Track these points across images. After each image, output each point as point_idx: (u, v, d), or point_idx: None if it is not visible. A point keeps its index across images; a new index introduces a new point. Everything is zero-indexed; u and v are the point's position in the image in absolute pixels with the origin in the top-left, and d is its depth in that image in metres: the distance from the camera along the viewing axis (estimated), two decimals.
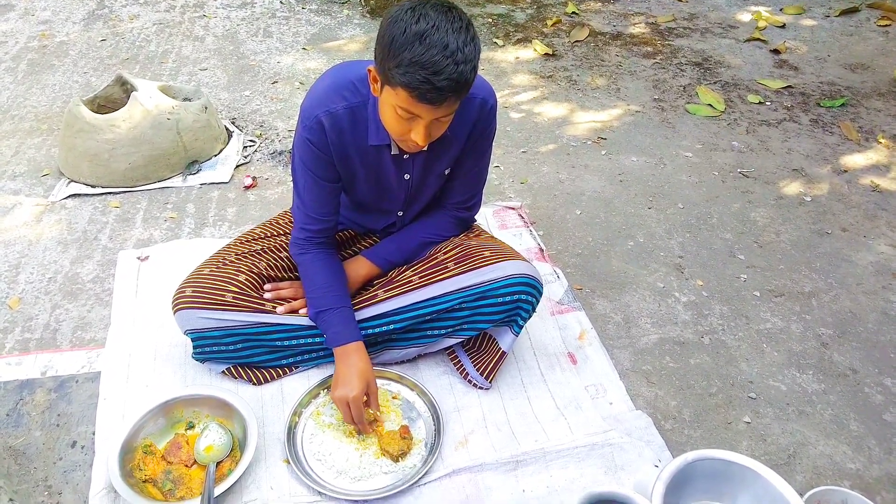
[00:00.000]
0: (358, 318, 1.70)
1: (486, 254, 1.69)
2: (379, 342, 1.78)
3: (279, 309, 1.72)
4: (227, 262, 1.77)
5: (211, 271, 1.73)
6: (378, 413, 1.67)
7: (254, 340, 1.72)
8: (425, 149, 1.52)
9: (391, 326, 1.72)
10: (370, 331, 1.72)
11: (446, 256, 1.74)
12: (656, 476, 1.42)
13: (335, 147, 1.56)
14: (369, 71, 1.42)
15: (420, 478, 1.57)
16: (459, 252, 1.73)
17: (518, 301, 1.65)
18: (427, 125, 1.38)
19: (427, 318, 1.71)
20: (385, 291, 1.73)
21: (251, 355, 1.75)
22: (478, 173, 1.77)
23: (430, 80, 1.26)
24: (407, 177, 1.67)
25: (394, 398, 1.76)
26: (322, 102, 1.51)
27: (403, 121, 1.38)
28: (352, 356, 1.62)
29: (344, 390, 1.58)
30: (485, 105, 1.59)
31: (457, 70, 1.26)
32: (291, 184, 2.60)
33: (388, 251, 1.82)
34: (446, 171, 1.72)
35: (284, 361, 1.80)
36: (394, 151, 1.59)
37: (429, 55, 1.24)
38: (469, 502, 1.55)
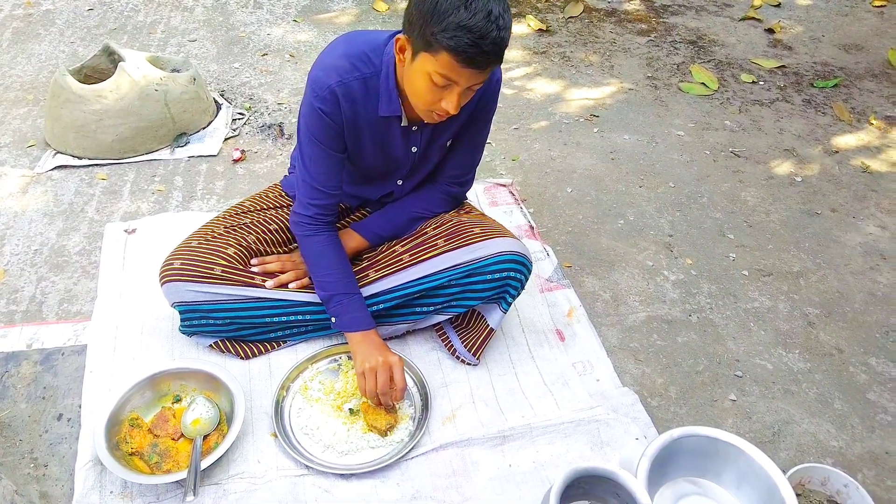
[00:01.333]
0: None
1: (476, 231, 1.69)
2: None
3: (268, 283, 1.71)
4: (215, 234, 1.75)
5: (199, 243, 1.72)
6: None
7: (242, 314, 1.70)
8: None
9: (381, 306, 1.72)
10: None
11: (436, 232, 1.73)
12: (642, 452, 1.43)
13: (347, 117, 1.54)
14: (397, 40, 1.41)
15: (407, 452, 1.57)
16: (449, 228, 1.73)
17: (507, 278, 1.64)
18: (461, 93, 1.38)
19: (416, 295, 1.71)
20: (376, 271, 1.73)
21: (239, 328, 1.74)
22: (475, 147, 1.76)
23: (478, 44, 1.27)
24: (414, 149, 1.67)
25: None
26: (336, 72, 1.50)
27: (437, 89, 1.37)
28: (374, 338, 1.65)
29: (385, 356, 1.60)
30: (492, 78, 1.59)
31: (500, 35, 1.28)
32: (280, 157, 2.58)
33: (378, 225, 1.82)
34: (448, 143, 1.71)
35: (273, 335, 1.79)
36: (403, 123, 1.58)
37: (475, 20, 1.25)
38: (456, 476, 1.56)
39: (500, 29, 1.28)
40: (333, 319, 1.68)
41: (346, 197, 1.89)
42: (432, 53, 1.32)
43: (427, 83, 1.37)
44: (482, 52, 1.29)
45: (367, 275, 1.73)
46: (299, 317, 1.75)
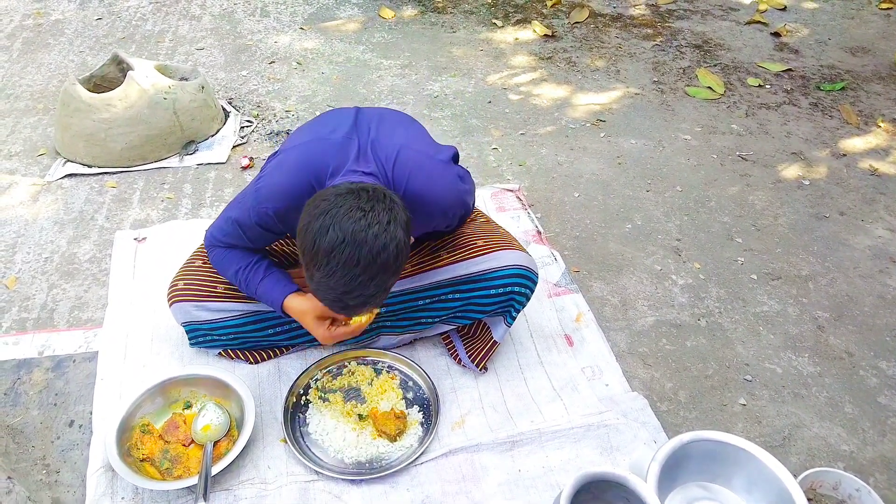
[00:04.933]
0: None
1: (480, 243, 1.68)
2: (372, 326, 1.77)
3: None
4: None
5: (203, 262, 1.73)
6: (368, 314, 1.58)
7: (246, 328, 1.71)
8: None
9: (381, 309, 1.71)
10: None
11: (439, 244, 1.73)
12: (651, 457, 1.43)
13: (289, 229, 1.51)
14: None
15: (417, 457, 1.58)
16: (452, 240, 1.72)
17: (512, 293, 1.64)
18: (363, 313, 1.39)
19: (419, 304, 1.71)
20: None
21: (245, 341, 1.76)
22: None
23: (342, 300, 1.26)
24: None
25: (392, 378, 1.76)
26: (275, 200, 1.44)
27: None
28: (302, 297, 1.55)
29: (315, 305, 1.51)
30: (446, 215, 1.54)
31: (372, 283, 1.24)
32: None
33: None
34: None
35: (281, 344, 1.80)
36: None
37: (339, 275, 1.21)
38: (465, 482, 1.56)
39: (373, 277, 1.22)
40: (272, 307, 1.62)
41: None
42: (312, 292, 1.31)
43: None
44: (348, 306, 1.28)
45: None
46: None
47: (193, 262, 1.74)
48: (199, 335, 1.73)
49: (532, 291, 1.67)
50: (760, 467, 1.43)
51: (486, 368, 1.80)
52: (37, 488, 1.52)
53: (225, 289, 1.68)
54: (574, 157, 2.73)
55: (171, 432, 1.59)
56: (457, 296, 1.68)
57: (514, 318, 1.69)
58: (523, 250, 1.69)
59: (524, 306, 1.68)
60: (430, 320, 1.75)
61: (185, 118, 2.61)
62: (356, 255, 1.19)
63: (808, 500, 1.45)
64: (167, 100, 2.56)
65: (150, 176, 2.54)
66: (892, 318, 2.05)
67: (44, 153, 2.64)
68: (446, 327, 1.79)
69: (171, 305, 1.69)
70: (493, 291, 1.64)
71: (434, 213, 1.50)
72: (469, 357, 1.79)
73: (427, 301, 1.71)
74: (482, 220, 1.86)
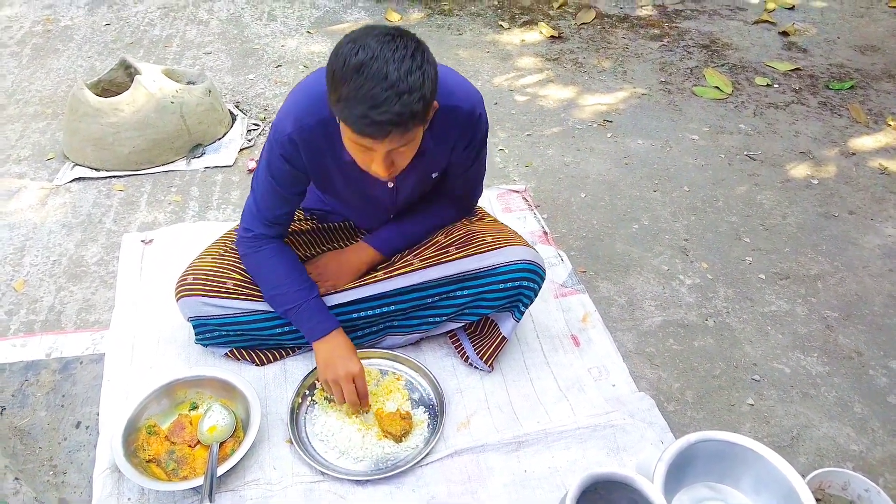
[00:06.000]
0: (355, 297, 1.69)
1: (489, 239, 1.68)
2: (379, 326, 1.77)
3: None
4: (228, 249, 1.75)
5: (213, 258, 1.73)
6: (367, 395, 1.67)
7: (254, 326, 1.71)
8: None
9: (391, 308, 1.71)
10: (368, 312, 1.71)
11: (448, 240, 1.73)
12: (658, 457, 1.42)
13: (310, 162, 1.50)
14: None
15: (422, 458, 1.57)
16: (461, 236, 1.72)
17: (520, 287, 1.64)
18: (384, 157, 1.30)
19: (427, 302, 1.71)
20: (385, 273, 1.71)
21: (251, 339, 1.76)
22: (474, 173, 1.71)
23: (369, 115, 1.19)
24: (391, 185, 1.61)
25: (397, 379, 1.76)
26: (294, 116, 1.45)
27: (362, 150, 1.31)
28: (335, 338, 1.61)
29: (346, 368, 1.58)
30: (471, 116, 1.51)
31: (399, 101, 1.18)
32: None
33: (391, 237, 1.78)
34: (434, 175, 1.65)
35: (287, 345, 1.80)
36: None
37: (367, 87, 1.18)
38: (471, 482, 1.55)
39: (402, 94, 1.18)
40: (302, 333, 1.65)
41: (343, 218, 1.88)
42: (339, 120, 1.28)
43: (352, 147, 1.32)
44: (374, 122, 1.20)
45: (375, 275, 1.72)
46: None
47: (203, 258, 1.74)
48: (206, 331, 1.73)
49: (539, 286, 1.67)
50: (768, 467, 1.42)
51: (493, 366, 1.79)
52: (44, 489, 1.53)
53: (234, 285, 1.68)
54: (581, 157, 2.73)
55: (177, 433, 1.59)
56: (465, 292, 1.68)
57: (522, 313, 1.69)
58: (531, 247, 1.69)
59: (532, 301, 1.68)
60: (437, 319, 1.75)
61: (193, 122, 2.63)
62: (385, 69, 1.18)
63: (817, 500, 1.44)
64: (174, 104, 2.58)
65: (158, 179, 2.55)
66: None
67: (52, 157, 2.66)
68: (453, 325, 1.79)
69: (178, 300, 1.69)
70: (501, 286, 1.64)
71: (463, 108, 1.47)
72: (477, 354, 1.79)
73: (435, 298, 1.71)
74: (489, 219, 1.87)
